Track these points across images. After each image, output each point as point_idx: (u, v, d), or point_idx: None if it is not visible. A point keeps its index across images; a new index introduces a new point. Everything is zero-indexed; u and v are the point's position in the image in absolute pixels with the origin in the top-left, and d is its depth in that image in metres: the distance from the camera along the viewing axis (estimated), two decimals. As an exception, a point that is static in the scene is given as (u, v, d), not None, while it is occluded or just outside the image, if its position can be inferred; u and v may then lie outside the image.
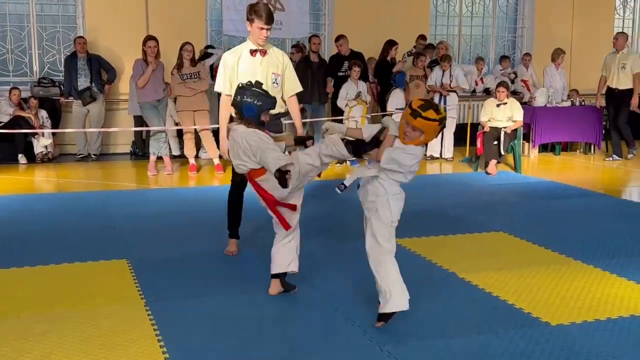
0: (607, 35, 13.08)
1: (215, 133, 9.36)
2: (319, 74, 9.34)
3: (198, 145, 9.32)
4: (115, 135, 10.20)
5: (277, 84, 4.76)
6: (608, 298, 4.18)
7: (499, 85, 9.00)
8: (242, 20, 10.75)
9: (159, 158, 8.68)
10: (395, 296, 3.63)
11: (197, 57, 9.04)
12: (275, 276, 4.15)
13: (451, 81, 9.80)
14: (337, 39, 9.91)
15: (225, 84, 4.76)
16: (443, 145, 9.99)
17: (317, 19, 11.62)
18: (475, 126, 9.64)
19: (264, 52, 4.73)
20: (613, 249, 5.25)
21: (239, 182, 4.91)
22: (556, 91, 10.64)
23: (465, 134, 10.16)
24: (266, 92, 3.98)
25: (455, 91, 9.90)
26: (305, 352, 3.43)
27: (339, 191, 3.61)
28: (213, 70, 9.83)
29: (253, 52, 4.71)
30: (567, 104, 10.56)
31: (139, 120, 9.37)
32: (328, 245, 5.32)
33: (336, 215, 6.30)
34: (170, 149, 9.32)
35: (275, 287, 4.16)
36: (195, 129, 8.71)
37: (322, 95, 9.37)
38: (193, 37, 9.14)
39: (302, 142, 4.16)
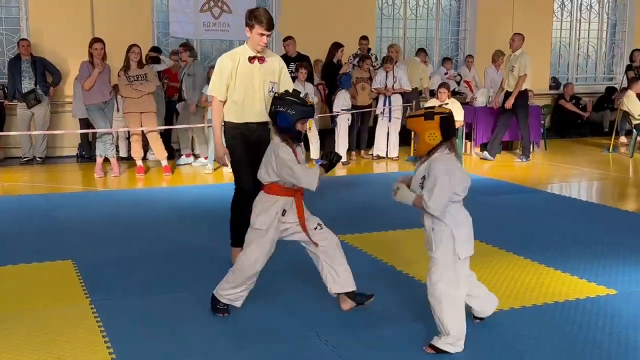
0: (545, 37, 13.64)
1: (162, 135, 9.44)
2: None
3: (146, 147, 9.36)
4: (61, 138, 10.14)
5: (273, 92, 4.61)
6: (535, 286, 4.45)
7: (440, 86, 9.31)
8: (189, 22, 10.91)
9: (106, 160, 8.69)
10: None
11: (144, 59, 9.07)
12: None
13: (394, 82, 10.06)
14: (285, 39, 10.06)
15: (221, 89, 4.63)
16: (389, 145, 10.25)
17: (264, 21, 11.72)
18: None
19: (262, 60, 4.63)
20: (544, 241, 5.56)
21: (246, 183, 4.68)
22: (496, 91, 10.99)
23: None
24: (303, 100, 3.80)
25: (400, 93, 10.16)
26: (246, 345, 3.58)
27: None
28: (160, 75, 9.88)
29: (251, 59, 4.59)
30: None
31: (85, 123, 9.36)
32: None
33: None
34: (117, 150, 9.34)
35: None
36: (142, 131, 8.75)
37: (271, 97, 9.49)
38: (139, 39, 9.17)
39: (331, 166, 3.85)
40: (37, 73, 9.57)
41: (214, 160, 8.76)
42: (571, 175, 9.20)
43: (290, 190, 3.84)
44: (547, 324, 3.85)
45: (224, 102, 4.68)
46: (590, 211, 6.87)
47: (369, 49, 10.91)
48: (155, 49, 10.25)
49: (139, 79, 8.50)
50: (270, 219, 3.81)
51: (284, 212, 3.84)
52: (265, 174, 3.84)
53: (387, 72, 10.07)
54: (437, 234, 3.45)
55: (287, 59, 9.84)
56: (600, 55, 14.68)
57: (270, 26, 4.51)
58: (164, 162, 8.81)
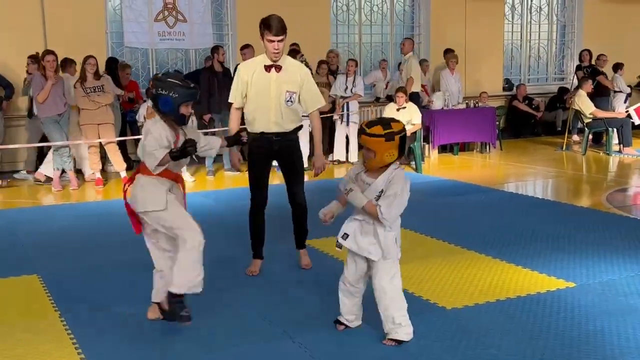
0: (497, 40, 14.02)
1: (120, 145, 9.42)
2: (225, 83, 9.52)
3: (104, 159, 9.32)
4: (15, 153, 9.99)
5: (291, 102, 4.58)
6: (498, 282, 4.63)
7: (397, 90, 9.52)
8: (144, 31, 10.90)
9: (63, 173, 8.63)
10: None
11: (102, 70, 9.05)
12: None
13: (354, 86, 10.24)
14: (242, 48, 10.10)
15: (237, 97, 4.65)
16: (349, 149, 10.41)
17: (220, 29, 11.81)
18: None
19: (278, 68, 4.56)
20: (505, 238, 5.77)
21: (260, 200, 4.80)
22: (452, 94, 11.30)
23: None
24: (185, 82, 3.73)
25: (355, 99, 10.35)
26: (220, 348, 3.65)
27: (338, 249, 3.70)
28: (124, 89, 9.86)
29: (267, 68, 4.55)
30: (463, 106, 11.23)
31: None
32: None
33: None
34: (75, 163, 9.28)
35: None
36: (100, 143, 8.72)
37: (229, 103, 9.53)
38: (93, 50, 9.12)
39: (235, 142, 4.18)
40: (-12, 87, 9.45)
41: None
42: (527, 174, 9.50)
43: (171, 174, 3.81)
44: (511, 317, 4.03)
45: (241, 110, 4.73)
46: (547, 208, 7.12)
47: (302, 55, 10.75)
48: (113, 60, 10.20)
49: (96, 90, 8.47)
50: (163, 196, 3.74)
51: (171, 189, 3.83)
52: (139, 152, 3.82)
53: (347, 75, 10.26)
54: (384, 239, 3.55)
55: (244, 67, 9.94)
56: (551, 56, 15.15)
57: (279, 31, 4.46)
58: (123, 174, 8.79)
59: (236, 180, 9.20)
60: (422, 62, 12.55)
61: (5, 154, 9.87)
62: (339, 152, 10.40)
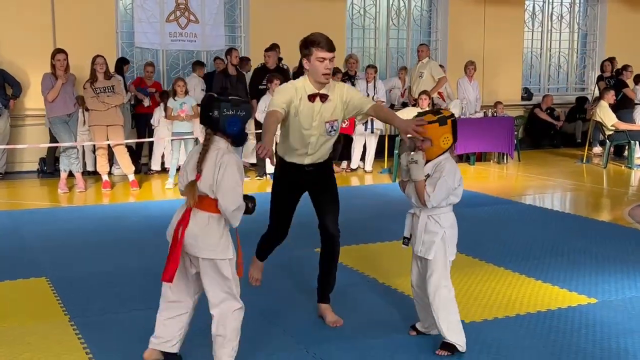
0: (517, 47, 14.05)
1: (130, 148, 9.52)
2: (238, 87, 9.60)
3: (111, 161, 9.40)
4: (21, 153, 10.10)
5: (334, 131, 4.07)
6: (517, 297, 4.65)
7: (421, 93, 9.53)
8: (155, 32, 10.99)
9: (71, 175, 8.70)
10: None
11: (111, 70, 9.13)
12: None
13: (375, 93, 10.30)
14: (267, 49, 10.01)
15: (281, 105, 3.87)
16: (366, 157, 10.44)
17: (232, 31, 11.90)
18: (393, 138, 10.16)
19: (324, 98, 3.98)
20: (523, 252, 5.79)
21: (280, 237, 4.32)
22: (469, 103, 11.32)
23: (384, 146, 10.68)
24: (242, 97, 3.48)
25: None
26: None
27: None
28: (127, 87, 9.96)
29: (311, 98, 3.96)
30: (480, 115, 11.25)
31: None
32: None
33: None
34: (85, 164, 9.39)
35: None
36: (109, 145, 8.79)
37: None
38: (103, 50, 9.20)
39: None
40: (-5, 85, 9.55)
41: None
42: (545, 186, 9.50)
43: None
44: (531, 333, 4.05)
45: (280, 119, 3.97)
46: (566, 222, 7.13)
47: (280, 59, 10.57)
48: (123, 60, 10.30)
49: (106, 90, 8.55)
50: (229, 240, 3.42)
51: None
52: (204, 187, 3.31)
53: (367, 81, 10.32)
54: (430, 236, 3.70)
55: (265, 70, 9.98)
56: (571, 66, 15.16)
57: (331, 47, 3.92)
58: (131, 177, 8.86)
59: (247, 186, 9.25)
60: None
61: (11, 153, 9.97)
62: (356, 160, 10.44)
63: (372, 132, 10.34)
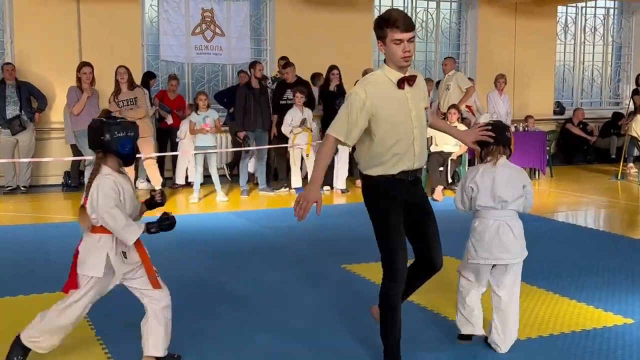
0: (549, 61, 13.99)
1: (158, 160, 9.64)
2: (262, 101, 9.68)
3: (135, 174, 9.51)
4: (46, 166, 10.27)
5: (427, 121, 3.73)
6: (551, 316, 4.61)
7: (450, 107, 9.53)
8: (180, 45, 11.14)
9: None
10: None
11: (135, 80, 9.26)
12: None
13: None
14: (284, 66, 10.23)
15: (352, 135, 3.50)
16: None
17: (258, 44, 12.01)
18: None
19: (413, 80, 3.54)
20: (556, 270, 5.74)
21: (405, 269, 3.64)
22: (499, 116, 11.27)
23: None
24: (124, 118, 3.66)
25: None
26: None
27: None
28: (152, 100, 10.10)
29: (400, 84, 3.50)
30: (511, 129, 11.18)
31: (77, 150, 9.51)
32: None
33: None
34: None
35: None
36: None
37: (266, 122, 9.70)
38: (129, 63, 9.34)
39: (153, 206, 3.86)
40: (22, 98, 9.73)
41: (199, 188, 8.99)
42: (579, 203, 9.41)
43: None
44: (565, 353, 4.00)
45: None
46: (600, 239, 7.06)
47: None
48: (149, 74, 10.45)
49: (129, 103, 8.68)
50: (102, 261, 3.58)
51: (124, 253, 3.63)
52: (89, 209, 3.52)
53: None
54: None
55: (285, 85, 10.09)
56: (605, 79, 15.04)
57: (408, 26, 3.42)
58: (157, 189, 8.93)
59: (271, 201, 9.32)
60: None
61: (36, 167, 10.14)
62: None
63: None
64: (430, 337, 4.26)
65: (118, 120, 3.59)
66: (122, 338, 4.20)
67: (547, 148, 11.59)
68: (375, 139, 3.53)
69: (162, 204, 3.88)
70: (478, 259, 3.92)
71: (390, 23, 3.40)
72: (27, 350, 3.67)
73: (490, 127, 3.91)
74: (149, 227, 3.60)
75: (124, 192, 3.53)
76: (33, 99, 9.96)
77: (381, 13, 3.71)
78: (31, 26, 10.22)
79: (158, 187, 8.97)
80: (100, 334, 4.25)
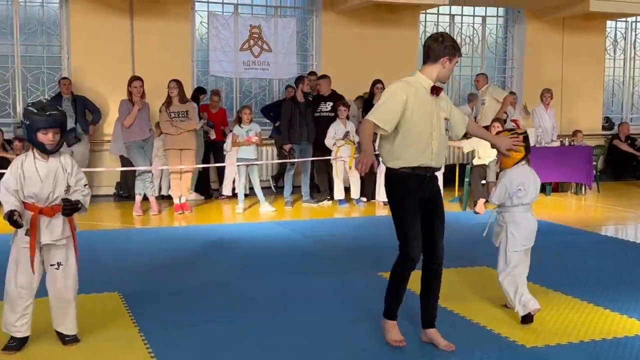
0: (598, 75, 13.88)
1: (200, 173, 9.95)
2: (307, 114, 9.91)
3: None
4: (99, 177, 10.68)
5: (448, 131, 4.26)
6: (583, 324, 4.66)
7: (494, 120, 9.58)
8: (229, 60, 11.48)
9: (145, 198, 9.16)
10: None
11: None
12: None
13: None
14: (319, 78, 10.47)
15: (390, 121, 4.06)
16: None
17: (304, 59, 12.27)
18: (464, 166, 10.21)
19: (440, 91, 4.18)
20: (594, 281, 5.77)
21: (418, 254, 4.20)
22: (545, 131, 11.27)
23: (455, 175, 10.73)
24: (41, 109, 3.94)
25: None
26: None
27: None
28: (200, 114, 10.43)
29: (432, 91, 4.13)
30: (557, 144, 11.17)
31: (124, 161, 9.89)
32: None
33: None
34: (160, 189, 9.86)
35: None
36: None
37: (310, 135, 9.91)
38: (179, 78, 9.62)
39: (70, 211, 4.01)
40: (77, 111, 10.15)
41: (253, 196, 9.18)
42: (625, 218, 9.34)
43: (29, 205, 3.97)
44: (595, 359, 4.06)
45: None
46: (644, 253, 7.03)
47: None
48: (199, 90, 10.80)
49: (180, 115, 9.02)
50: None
51: (27, 231, 3.96)
52: None
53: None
54: (497, 228, 4.82)
55: (320, 98, 10.30)
56: (656, 94, 14.84)
57: (459, 51, 4.25)
58: (183, 199, 9.30)
59: (314, 212, 9.51)
60: (511, 95, 12.58)
61: (90, 177, 10.56)
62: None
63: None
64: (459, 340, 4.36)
65: (28, 107, 3.98)
66: (164, 338, 4.41)
67: (594, 163, 11.50)
68: (400, 133, 4.10)
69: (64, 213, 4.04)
70: (521, 247, 4.72)
71: (458, 49, 4.19)
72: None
73: (521, 136, 4.70)
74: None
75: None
76: (88, 112, 10.38)
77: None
78: (87, 42, 10.68)
79: (184, 198, 9.28)
80: (144, 333, 4.47)
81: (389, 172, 4.19)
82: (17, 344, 4.11)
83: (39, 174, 3.96)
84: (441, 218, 4.29)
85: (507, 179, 4.69)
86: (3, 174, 4.05)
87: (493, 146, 4.77)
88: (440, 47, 4.11)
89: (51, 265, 4.12)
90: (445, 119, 4.21)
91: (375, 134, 4.20)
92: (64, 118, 4.04)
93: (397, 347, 4.21)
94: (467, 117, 4.58)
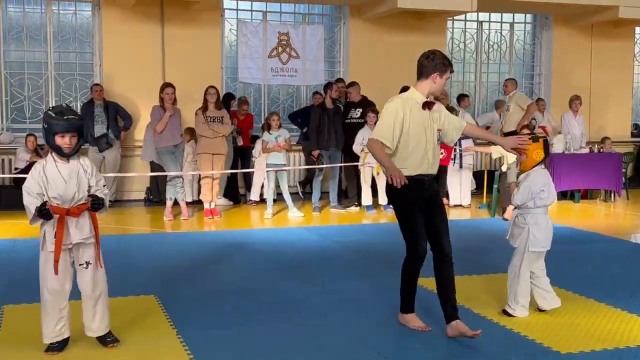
0: (626, 82, 13.80)
1: (229, 179, 10.05)
2: (335, 120, 9.97)
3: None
4: (130, 182, 10.84)
5: (440, 142, 4.69)
6: (617, 331, 4.67)
7: (523, 127, 9.58)
8: (257, 67, 11.59)
9: (176, 203, 9.29)
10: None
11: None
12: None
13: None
14: (348, 85, 10.54)
15: (389, 137, 4.45)
16: (461, 193, 10.51)
17: (332, 66, 12.35)
18: (492, 173, 10.21)
19: (432, 106, 4.56)
20: (627, 289, 5.75)
21: (424, 253, 4.56)
22: (574, 138, 11.22)
23: (483, 181, 10.74)
24: (59, 114, 4.07)
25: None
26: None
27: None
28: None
29: (424, 106, 4.52)
30: (586, 151, 11.12)
31: (154, 167, 10.04)
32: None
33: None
34: (193, 193, 10.01)
35: None
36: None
37: (339, 141, 9.97)
38: (208, 84, 9.75)
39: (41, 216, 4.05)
40: (109, 117, 10.32)
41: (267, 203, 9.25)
42: (656, 226, 9.29)
43: (55, 208, 4.02)
44: (630, 366, 4.08)
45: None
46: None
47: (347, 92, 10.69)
48: (229, 96, 10.93)
49: (216, 120, 9.17)
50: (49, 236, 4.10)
51: (55, 234, 4.05)
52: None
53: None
54: (517, 228, 4.94)
55: (350, 104, 10.37)
56: (686, 101, 14.71)
57: (451, 66, 4.62)
58: (213, 205, 9.42)
59: (342, 217, 9.56)
60: (538, 101, 12.55)
61: (121, 182, 10.72)
62: (454, 197, 10.51)
63: (461, 167, 10.40)
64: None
65: (48, 111, 4.11)
66: (202, 340, 4.49)
67: (624, 170, 11.43)
68: (399, 146, 4.49)
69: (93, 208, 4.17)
70: (541, 247, 4.90)
71: (450, 65, 4.56)
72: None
73: (527, 137, 4.89)
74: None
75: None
76: (119, 118, 10.55)
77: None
78: (118, 49, 10.86)
79: (207, 204, 9.40)
80: (182, 335, 4.55)
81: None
82: (59, 345, 4.21)
83: (62, 176, 4.09)
84: (442, 217, 4.64)
85: (530, 181, 4.84)
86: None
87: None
88: (431, 64, 4.51)
89: (80, 264, 4.21)
90: (438, 130, 4.62)
91: None
92: (81, 123, 4.14)
93: (424, 332, 4.61)
94: (465, 122, 4.92)
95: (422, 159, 4.51)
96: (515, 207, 5.02)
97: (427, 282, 5.70)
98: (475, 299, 5.39)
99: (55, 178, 4.08)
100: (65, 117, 4.06)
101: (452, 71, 4.60)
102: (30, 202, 4.03)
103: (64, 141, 4.05)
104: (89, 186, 4.17)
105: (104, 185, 4.28)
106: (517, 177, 4.92)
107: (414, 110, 4.49)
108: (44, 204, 3.99)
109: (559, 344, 4.41)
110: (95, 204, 4.13)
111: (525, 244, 4.87)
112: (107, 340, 4.28)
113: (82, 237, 4.15)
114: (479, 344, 4.41)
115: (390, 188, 4.48)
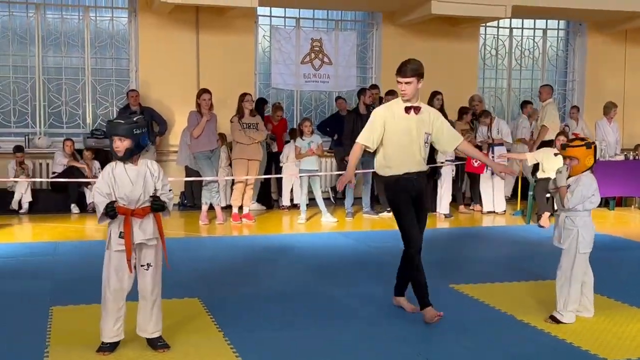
0: (661, 88, 13.67)
1: (262, 184, 10.11)
2: (369, 126, 9.99)
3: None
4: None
5: (427, 144, 5.03)
6: (660, 339, 4.64)
7: (559, 134, 9.53)
8: (290, 73, 11.68)
9: (211, 208, 9.37)
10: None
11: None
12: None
13: (499, 134, 10.41)
14: (387, 94, 10.53)
15: (374, 140, 4.94)
16: (495, 199, 10.47)
17: (364, 72, 12.39)
18: (526, 179, 10.16)
19: (417, 110, 4.96)
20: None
21: (419, 242, 4.99)
22: (609, 145, 11.13)
23: (517, 187, 10.69)
24: (116, 118, 4.44)
25: (501, 144, 10.48)
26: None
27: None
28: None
29: (407, 110, 4.94)
30: (621, 158, 11.02)
31: (189, 171, 10.13)
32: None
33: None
34: (225, 199, 10.10)
35: None
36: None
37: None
38: (242, 90, 9.81)
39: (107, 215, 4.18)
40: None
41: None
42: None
43: (121, 208, 4.17)
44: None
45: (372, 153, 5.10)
46: None
47: (381, 98, 10.67)
48: (262, 101, 11.02)
49: (251, 127, 9.26)
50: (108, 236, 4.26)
51: (120, 234, 4.18)
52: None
53: (486, 125, 10.46)
54: (566, 230, 4.96)
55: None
56: None
57: (399, 72, 4.95)
58: (246, 210, 9.47)
59: (375, 223, 9.59)
60: (571, 109, 12.48)
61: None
62: (487, 204, 10.48)
63: (493, 174, 10.35)
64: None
65: (131, 117, 4.34)
66: (249, 342, 4.54)
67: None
68: (385, 147, 4.93)
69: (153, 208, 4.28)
70: (589, 248, 5.02)
71: (398, 70, 4.99)
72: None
73: (581, 142, 5.04)
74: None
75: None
76: (155, 123, 10.68)
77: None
78: (154, 56, 11.00)
79: (236, 209, 9.45)
80: (229, 338, 4.60)
81: (382, 179, 5.09)
82: (111, 345, 4.29)
83: (129, 177, 4.22)
84: (425, 211, 5.13)
85: (582, 185, 4.92)
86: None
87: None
88: (420, 71, 5.00)
89: (141, 266, 4.31)
90: (426, 132, 4.96)
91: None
92: (127, 127, 4.19)
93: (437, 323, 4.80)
94: (462, 138, 5.25)
95: (407, 158, 4.93)
96: (556, 211, 5.15)
97: (466, 288, 5.73)
98: (519, 306, 5.38)
99: (123, 179, 4.21)
100: (109, 121, 4.31)
101: (398, 75, 4.93)
102: (100, 201, 4.17)
103: (113, 145, 4.21)
104: (155, 189, 4.27)
105: (170, 190, 4.38)
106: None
107: (398, 114, 4.93)
108: (111, 203, 4.12)
109: (605, 351, 4.39)
110: (155, 205, 4.22)
111: (575, 246, 4.94)
112: (157, 344, 4.35)
113: (145, 238, 4.25)
114: (522, 351, 4.41)
115: (381, 186, 4.95)
